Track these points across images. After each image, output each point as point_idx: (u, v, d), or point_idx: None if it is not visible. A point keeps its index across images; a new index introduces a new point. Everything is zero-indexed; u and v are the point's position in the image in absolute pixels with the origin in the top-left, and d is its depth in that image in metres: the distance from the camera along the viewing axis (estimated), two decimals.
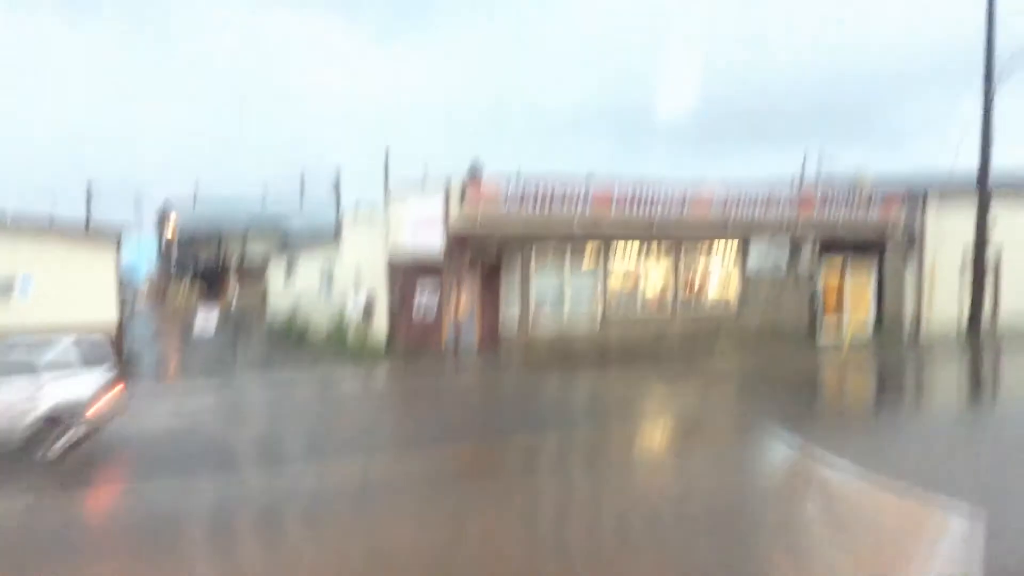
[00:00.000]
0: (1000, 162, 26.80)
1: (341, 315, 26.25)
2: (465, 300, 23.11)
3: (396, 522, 9.14)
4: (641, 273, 24.25)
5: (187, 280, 44.75)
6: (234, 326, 24.84)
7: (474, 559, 7.98)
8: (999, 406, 17.75)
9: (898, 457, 11.82)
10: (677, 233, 23.98)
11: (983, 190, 26.37)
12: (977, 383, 20.94)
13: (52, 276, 20.11)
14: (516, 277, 22.60)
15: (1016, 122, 26.53)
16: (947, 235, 27.38)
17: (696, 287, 24.97)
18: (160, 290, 47.94)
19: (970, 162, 26.81)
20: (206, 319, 26.38)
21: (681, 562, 7.73)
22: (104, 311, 20.61)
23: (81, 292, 20.39)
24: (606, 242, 23.47)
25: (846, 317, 26.94)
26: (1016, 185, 28.50)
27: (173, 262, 47.40)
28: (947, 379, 21.38)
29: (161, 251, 51.11)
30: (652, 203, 23.41)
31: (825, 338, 26.02)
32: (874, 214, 26.71)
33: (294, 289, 32.43)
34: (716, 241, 24.93)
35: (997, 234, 26.87)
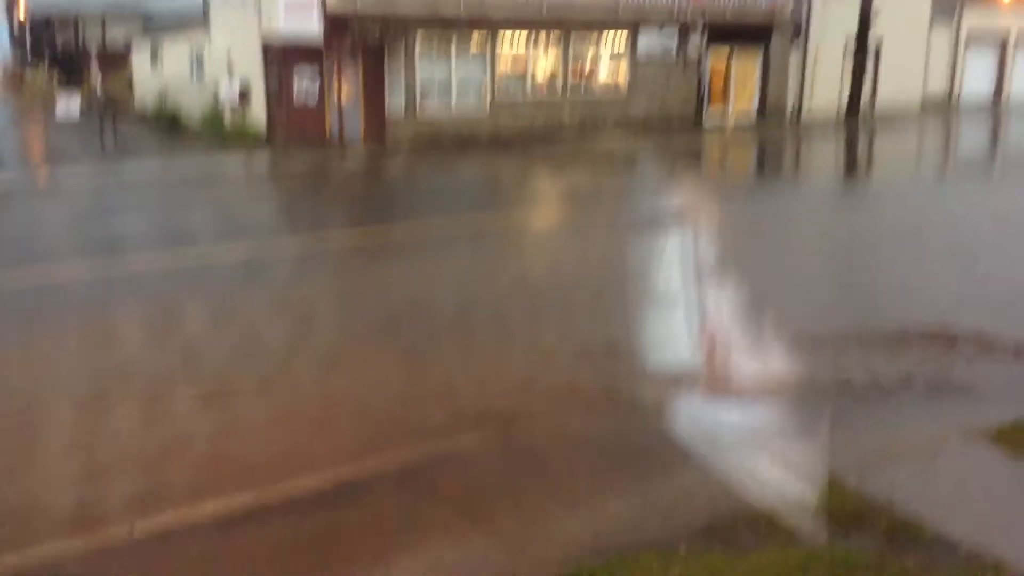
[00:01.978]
0: None
1: (215, 101, 24.87)
2: (348, 86, 22.14)
3: (300, 284, 9.02)
4: (530, 58, 23.61)
5: (44, 66, 41.45)
6: (99, 112, 23.19)
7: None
8: (870, 180, 18.62)
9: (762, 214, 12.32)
10: (566, 18, 23.25)
11: None
12: (851, 160, 21.85)
13: None
14: (400, 62, 21.65)
15: None
16: (831, 22, 27.66)
17: (585, 72, 24.57)
18: (16, 76, 44.40)
19: None
20: (68, 104, 24.60)
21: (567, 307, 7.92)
22: None
23: None
24: (493, 27, 22.59)
25: (731, 102, 27.16)
26: None
27: (27, 47, 43.67)
28: (823, 156, 22.27)
29: (13, 35, 46.90)
30: None
31: (711, 122, 26.30)
32: (761, 1, 26.44)
33: (161, 75, 30.37)
34: (605, 28, 24.33)
35: (879, 22, 27.24)
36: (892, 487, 4.62)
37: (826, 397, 5.85)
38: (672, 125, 25.22)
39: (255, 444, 5.55)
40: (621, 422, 5.25)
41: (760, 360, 3.75)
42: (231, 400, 6.18)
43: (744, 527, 4.00)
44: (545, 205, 15.48)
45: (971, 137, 26.80)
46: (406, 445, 5.45)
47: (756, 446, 3.37)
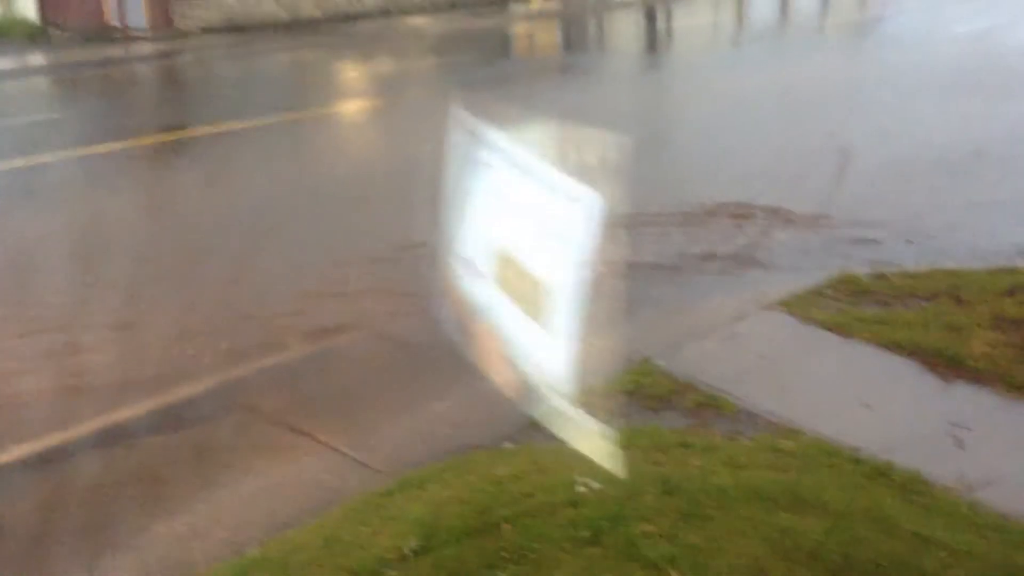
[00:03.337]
0: None
1: None
2: None
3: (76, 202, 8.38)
4: None
5: None
6: None
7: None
8: (669, 53, 19.12)
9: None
10: None
11: None
12: (650, 36, 22.32)
13: None
14: None
15: None
16: None
17: None
18: None
19: None
20: None
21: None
22: None
23: None
24: None
25: None
26: None
27: None
28: (625, 32, 22.63)
29: None
30: None
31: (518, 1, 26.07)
32: None
33: None
34: None
35: None
36: (696, 363, 4.93)
37: (626, 281, 6.10)
38: (480, 3, 24.83)
39: (89, 374, 5.24)
40: (429, 325, 5.30)
41: (557, 251, 3.81)
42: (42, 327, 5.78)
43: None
44: (349, 102, 14.96)
45: (767, 7, 27.86)
46: (225, 367, 5.29)
47: (561, 340, 3.47)
